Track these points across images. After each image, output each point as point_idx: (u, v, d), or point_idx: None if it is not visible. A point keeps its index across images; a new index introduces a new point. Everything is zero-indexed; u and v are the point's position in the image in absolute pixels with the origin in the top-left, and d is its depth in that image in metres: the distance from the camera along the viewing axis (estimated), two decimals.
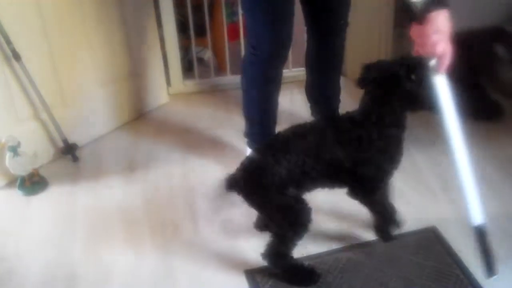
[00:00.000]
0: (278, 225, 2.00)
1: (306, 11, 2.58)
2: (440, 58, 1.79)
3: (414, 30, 1.77)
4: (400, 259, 2.11)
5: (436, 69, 1.80)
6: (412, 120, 2.93)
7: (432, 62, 1.79)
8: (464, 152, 1.91)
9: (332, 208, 2.40)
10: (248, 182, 1.94)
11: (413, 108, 1.94)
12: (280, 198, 1.92)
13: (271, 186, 1.89)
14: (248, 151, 2.64)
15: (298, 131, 1.98)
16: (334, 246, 2.22)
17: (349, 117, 1.97)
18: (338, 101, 2.84)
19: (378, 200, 2.11)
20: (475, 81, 3.06)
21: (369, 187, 2.03)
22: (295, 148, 1.91)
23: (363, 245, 2.19)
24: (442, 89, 1.83)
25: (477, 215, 1.93)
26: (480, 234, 1.94)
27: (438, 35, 1.74)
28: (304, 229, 1.97)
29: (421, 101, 1.89)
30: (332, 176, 1.98)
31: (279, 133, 2.03)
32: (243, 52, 3.25)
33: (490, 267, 1.97)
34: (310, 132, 1.97)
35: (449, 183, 2.52)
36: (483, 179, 2.53)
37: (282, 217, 1.97)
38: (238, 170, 1.98)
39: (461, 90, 3.00)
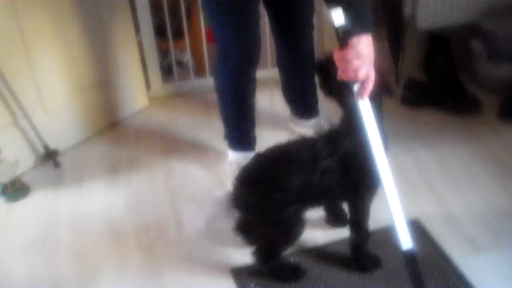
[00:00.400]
0: (273, 234, 2.00)
1: (270, 15, 2.59)
2: (362, 83, 1.73)
3: (337, 55, 1.71)
4: (384, 251, 2.12)
5: (359, 94, 1.75)
6: (393, 116, 2.99)
7: (355, 87, 1.74)
8: (390, 180, 1.82)
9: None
10: (255, 194, 1.93)
11: None
12: (284, 212, 1.91)
13: (279, 199, 1.88)
14: (230, 153, 2.65)
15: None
16: (317, 241, 2.24)
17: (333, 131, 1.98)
18: (316, 99, 2.85)
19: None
20: (453, 77, 3.10)
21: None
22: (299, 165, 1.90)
23: (346, 240, 2.20)
24: (366, 113, 1.77)
25: (405, 240, 1.82)
26: (410, 259, 1.83)
27: (360, 60, 1.68)
28: (297, 238, 1.99)
29: None
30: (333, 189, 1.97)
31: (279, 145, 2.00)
32: None
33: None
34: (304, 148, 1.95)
35: (431, 177, 2.54)
36: (464, 172, 2.57)
37: (280, 229, 1.97)
38: (242, 181, 1.95)
39: (440, 86, 3.08)
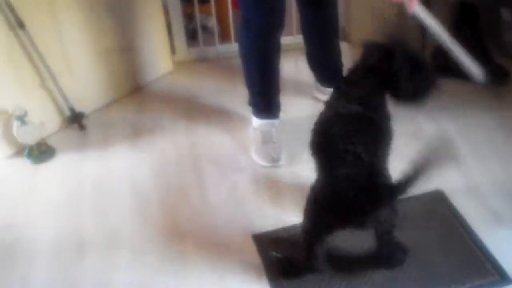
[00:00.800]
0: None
1: None
2: None
3: None
4: (407, 222, 2.11)
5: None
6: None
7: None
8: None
9: None
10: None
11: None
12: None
13: None
14: (254, 120, 2.65)
15: None
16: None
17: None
18: (341, 65, 2.83)
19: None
20: (481, 46, 3.04)
21: None
22: None
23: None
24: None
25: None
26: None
27: None
28: None
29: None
30: None
31: None
32: None
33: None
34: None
35: (455, 147, 2.52)
36: (488, 144, 2.55)
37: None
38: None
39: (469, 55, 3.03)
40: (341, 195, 1.69)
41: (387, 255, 1.98)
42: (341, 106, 1.84)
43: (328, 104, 1.91)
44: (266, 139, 2.57)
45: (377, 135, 1.82)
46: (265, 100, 2.61)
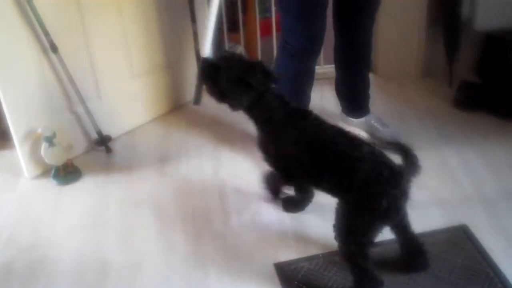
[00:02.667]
0: None
1: (334, 7, 2.59)
2: None
3: None
4: (430, 256, 2.10)
5: None
6: (445, 119, 2.96)
7: None
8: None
9: None
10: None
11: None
12: None
13: None
14: None
15: None
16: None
17: None
18: (368, 97, 2.84)
19: None
20: (509, 81, 3.03)
21: None
22: None
23: (393, 242, 2.18)
24: None
25: (206, 50, 2.56)
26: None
27: None
28: None
29: None
30: None
31: None
32: (275, 48, 3.26)
33: (197, 96, 2.72)
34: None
35: (480, 182, 2.51)
36: None
37: None
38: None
39: (494, 90, 3.01)
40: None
41: (412, 256, 2.05)
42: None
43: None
44: None
45: None
46: None
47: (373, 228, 1.86)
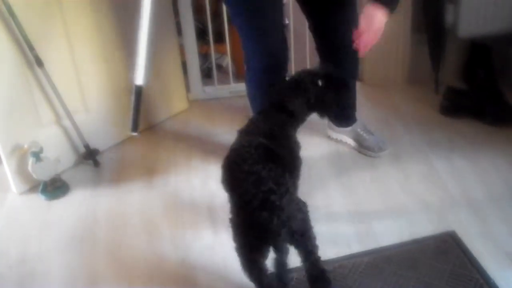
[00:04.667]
0: None
1: (312, 29, 2.58)
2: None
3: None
4: (419, 263, 2.11)
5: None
6: (431, 125, 2.97)
7: None
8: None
9: (350, 212, 2.40)
10: None
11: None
12: None
13: None
14: None
15: None
16: (353, 250, 2.23)
17: None
18: (354, 106, 2.85)
19: None
20: (494, 87, 3.06)
21: None
22: None
23: (382, 250, 2.19)
24: None
25: (139, 77, 2.56)
26: (137, 93, 2.50)
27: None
28: None
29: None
30: None
31: None
32: None
33: (134, 124, 2.65)
34: None
35: (468, 188, 2.52)
36: (503, 186, 2.54)
37: None
38: None
39: (480, 96, 3.04)
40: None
41: (314, 279, 1.93)
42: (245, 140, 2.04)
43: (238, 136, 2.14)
44: None
45: (278, 162, 1.87)
46: None
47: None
